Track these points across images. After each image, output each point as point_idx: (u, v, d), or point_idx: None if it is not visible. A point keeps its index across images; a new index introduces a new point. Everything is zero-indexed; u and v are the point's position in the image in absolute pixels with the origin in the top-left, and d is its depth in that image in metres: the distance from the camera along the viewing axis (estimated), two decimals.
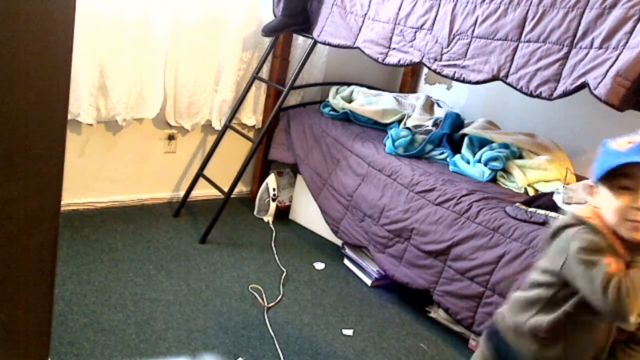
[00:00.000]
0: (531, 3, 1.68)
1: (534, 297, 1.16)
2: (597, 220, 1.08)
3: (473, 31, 1.84)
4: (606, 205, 1.07)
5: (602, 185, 1.08)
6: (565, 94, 1.57)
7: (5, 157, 0.86)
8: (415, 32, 2.04)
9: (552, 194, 1.95)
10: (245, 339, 1.87)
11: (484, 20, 1.81)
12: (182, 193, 2.79)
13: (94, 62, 2.29)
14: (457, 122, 2.54)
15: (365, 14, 2.26)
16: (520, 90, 1.68)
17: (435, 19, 1.97)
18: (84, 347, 1.69)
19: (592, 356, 1.13)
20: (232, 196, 2.58)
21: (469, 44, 1.85)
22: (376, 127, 2.72)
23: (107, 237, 2.37)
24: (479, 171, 2.21)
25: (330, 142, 2.59)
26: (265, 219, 2.84)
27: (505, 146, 2.27)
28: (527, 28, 1.69)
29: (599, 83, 1.46)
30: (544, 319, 1.12)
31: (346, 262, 2.52)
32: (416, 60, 2.03)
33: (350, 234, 2.40)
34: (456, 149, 2.41)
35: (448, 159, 2.35)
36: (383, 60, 2.17)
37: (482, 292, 1.85)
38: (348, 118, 2.75)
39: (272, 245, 2.58)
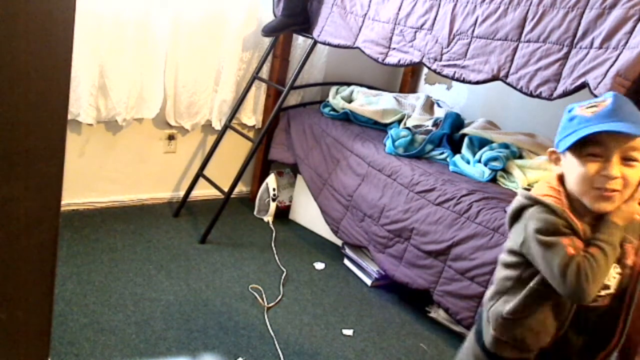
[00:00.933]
0: (531, 3, 1.68)
1: (502, 280, 1.13)
2: (554, 197, 1.04)
3: (473, 31, 1.84)
4: (572, 173, 1.03)
5: (568, 152, 1.03)
6: (565, 94, 1.57)
7: (5, 157, 0.86)
8: (415, 32, 2.04)
9: None
10: (245, 339, 1.87)
11: (484, 20, 1.81)
12: (182, 193, 2.79)
13: (94, 62, 2.29)
14: (457, 122, 2.54)
15: (365, 14, 2.26)
16: (520, 90, 1.68)
17: (435, 19, 1.97)
18: (84, 347, 1.69)
19: (554, 331, 1.10)
20: (232, 196, 2.58)
21: (469, 44, 1.85)
22: (376, 127, 2.72)
23: (107, 237, 2.37)
24: (479, 171, 2.21)
25: (330, 142, 2.59)
26: (265, 219, 2.84)
27: (505, 146, 2.27)
28: (527, 28, 1.69)
29: (599, 83, 1.46)
30: (513, 299, 1.10)
31: (346, 262, 2.52)
32: (416, 60, 2.03)
33: (350, 234, 2.40)
34: (456, 149, 2.41)
35: (448, 159, 2.35)
36: (383, 60, 2.17)
37: (482, 292, 1.85)
38: (348, 118, 2.75)
39: (272, 245, 2.58)
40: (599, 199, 1.00)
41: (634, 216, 1.04)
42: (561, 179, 1.08)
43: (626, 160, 0.97)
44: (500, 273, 1.15)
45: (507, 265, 1.13)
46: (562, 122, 1.06)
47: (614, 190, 0.98)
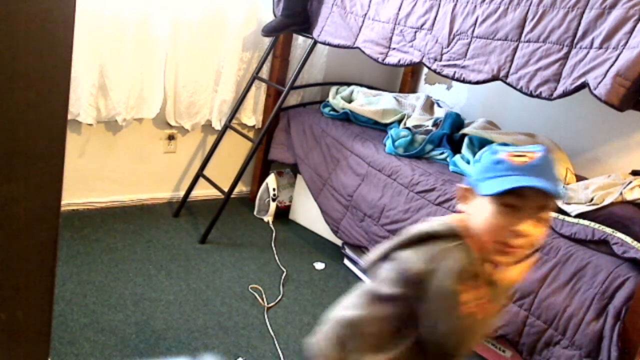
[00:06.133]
0: (531, 3, 1.68)
1: (376, 324, 0.99)
2: (471, 237, 0.95)
3: (473, 31, 1.84)
4: (480, 217, 0.95)
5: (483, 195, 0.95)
6: (565, 94, 1.57)
7: (5, 157, 0.86)
8: (415, 32, 2.04)
9: None
10: (245, 339, 1.87)
11: (484, 20, 1.81)
12: (182, 193, 2.79)
13: (94, 62, 2.29)
14: (457, 122, 2.54)
15: (365, 14, 2.26)
16: (520, 90, 1.68)
17: (435, 19, 1.97)
18: (84, 347, 1.69)
19: None
20: (232, 196, 2.58)
21: (469, 44, 1.85)
22: (376, 127, 2.72)
23: (107, 237, 2.37)
24: None
25: (330, 142, 2.59)
26: (265, 219, 2.84)
27: (505, 146, 2.26)
28: (527, 28, 1.69)
29: (599, 83, 1.46)
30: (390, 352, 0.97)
31: (346, 262, 2.52)
32: (416, 60, 2.03)
33: (350, 234, 2.40)
34: (456, 149, 2.41)
35: (448, 159, 2.35)
36: (383, 60, 2.17)
37: None
38: (348, 118, 2.75)
39: (272, 245, 2.58)
40: (500, 252, 0.94)
41: (514, 284, 0.99)
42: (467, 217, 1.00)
43: (537, 218, 0.92)
44: (371, 311, 1.00)
45: (384, 300, 0.99)
46: (484, 162, 0.97)
47: (516, 248, 0.92)
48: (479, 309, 0.92)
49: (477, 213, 0.96)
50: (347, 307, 1.05)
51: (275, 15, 2.61)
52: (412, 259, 0.96)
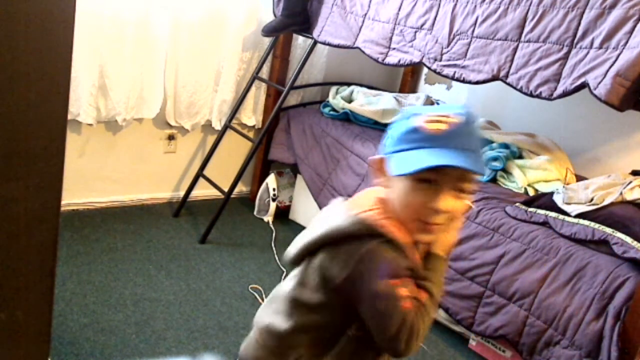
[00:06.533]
0: (531, 3, 1.68)
1: (298, 326, 0.93)
2: (394, 225, 0.86)
3: (473, 31, 1.84)
4: (397, 193, 0.87)
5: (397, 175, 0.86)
6: (565, 94, 1.57)
7: (5, 157, 0.86)
8: (415, 32, 2.04)
9: (552, 194, 1.95)
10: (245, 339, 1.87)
11: (484, 20, 1.81)
12: (182, 193, 2.79)
13: (94, 62, 2.29)
14: None
15: (365, 14, 2.26)
16: (520, 90, 1.68)
17: (435, 19, 1.97)
18: (84, 347, 1.69)
19: None
20: (232, 196, 2.58)
21: (469, 44, 1.85)
22: (376, 127, 2.72)
23: (107, 237, 2.37)
24: None
25: (330, 142, 2.59)
26: (265, 219, 2.84)
27: (505, 146, 2.27)
28: (527, 28, 1.69)
29: (599, 83, 1.46)
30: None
31: None
32: (416, 60, 2.03)
33: None
34: None
35: None
36: (383, 60, 2.17)
37: (482, 292, 1.85)
38: (348, 118, 2.75)
39: (272, 245, 2.58)
40: (421, 230, 0.86)
41: (453, 246, 0.95)
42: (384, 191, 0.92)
43: (458, 192, 0.85)
44: (299, 321, 0.92)
45: (311, 309, 0.91)
46: (398, 130, 0.87)
47: (438, 224, 0.86)
48: (420, 299, 0.86)
49: (393, 189, 0.88)
50: (274, 312, 0.97)
51: (275, 15, 2.61)
52: (334, 267, 0.86)
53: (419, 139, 0.83)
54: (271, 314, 0.98)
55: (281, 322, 0.94)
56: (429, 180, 0.83)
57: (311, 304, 0.91)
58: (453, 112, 0.84)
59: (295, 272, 0.96)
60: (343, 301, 0.87)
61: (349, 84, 2.98)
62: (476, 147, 0.85)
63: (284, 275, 2.32)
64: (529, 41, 1.68)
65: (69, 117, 2.28)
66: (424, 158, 0.81)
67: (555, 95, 1.59)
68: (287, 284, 0.96)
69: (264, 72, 2.81)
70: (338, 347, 0.91)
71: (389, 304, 0.82)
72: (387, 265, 0.83)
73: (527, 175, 2.14)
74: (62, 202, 0.96)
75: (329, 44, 2.45)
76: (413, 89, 3.29)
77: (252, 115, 2.91)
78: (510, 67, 1.72)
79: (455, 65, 1.89)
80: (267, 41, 2.75)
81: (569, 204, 1.83)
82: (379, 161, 0.91)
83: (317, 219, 0.94)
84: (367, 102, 2.81)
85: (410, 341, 0.82)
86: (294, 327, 0.93)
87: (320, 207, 2.59)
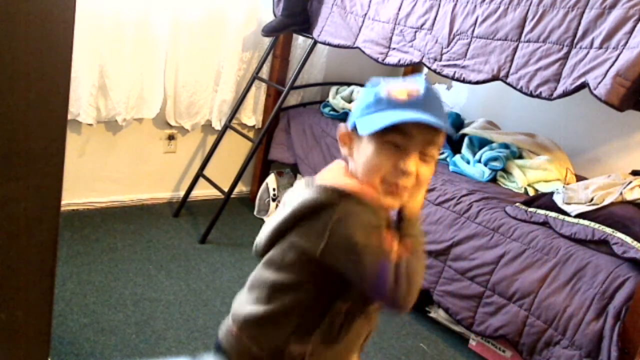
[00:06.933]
0: (531, 3, 1.68)
1: (281, 309, 0.91)
2: (364, 187, 0.86)
3: (473, 31, 1.84)
4: (362, 158, 0.87)
5: (364, 134, 0.86)
6: (565, 94, 1.57)
7: (5, 157, 0.86)
8: (415, 32, 2.04)
9: (552, 194, 1.95)
10: None
11: (484, 20, 1.81)
12: (182, 193, 2.79)
13: (94, 62, 2.29)
14: (457, 122, 2.54)
15: (365, 14, 2.26)
16: (520, 90, 1.68)
17: (435, 19, 1.97)
18: (84, 347, 1.69)
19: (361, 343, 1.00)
20: (232, 196, 2.58)
21: (469, 44, 1.85)
22: None
23: (107, 237, 2.37)
24: (479, 171, 2.21)
25: (330, 142, 2.59)
26: (265, 219, 2.84)
27: (505, 146, 2.27)
28: (527, 28, 1.69)
29: (599, 83, 1.46)
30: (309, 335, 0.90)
31: None
32: (416, 60, 2.03)
33: None
34: (456, 149, 2.41)
35: (448, 159, 2.35)
36: (383, 60, 2.17)
37: (482, 292, 1.85)
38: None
39: None
40: (387, 193, 0.86)
41: (418, 213, 0.93)
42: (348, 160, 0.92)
43: (424, 155, 0.86)
44: (281, 304, 0.91)
45: (292, 289, 0.90)
46: (364, 99, 0.89)
47: (404, 187, 0.86)
48: (408, 248, 0.86)
49: (359, 154, 0.88)
50: (252, 302, 0.96)
51: (275, 15, 2.61)
52: (310, 240, 0.85)
53: (385, 105, 0.85)
54: (250, 303, 0.96)
55: (261, 309, 0.93)
56: (396, 143, 0.84)
57: (292, 284, 0.90)
58: (416, 82, 0.87)
59: (268, 257, 0.94)
60: (325, 274, 0.86)
61: (349, 84, 2.98)
62: (439, 111, 0.86)
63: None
64: (529, 41, 1.68)
65: (69, 117, 2.28)
66: (391, 116, 0.82)
67: (555, 95, 1.59)
68: (262, 271, 0.95)
69: (264, 72, 2.81)
70: (325, 322, 0.90)
71: (378, 257, 0.82)
72: (364, 220, 0.83)
73: (527, 175, 2.14)
74: (62, 202, 0.96)
75: (329, 44, 2.45)
76: None
77: (252, 115, 2.91)
78: (510, 67, 1.72)
79: (455, 65, 1.89)
80: (267, 41, 2.75)
81: (569, 204, 1.83)
82: (345, 132, 0.92)
83: (283, 203, 0.94)
84: None
85: (410, 289, 0.82)
86: (276, 311, 0.91)
87: None
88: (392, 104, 0.84)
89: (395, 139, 0.83)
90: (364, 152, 0.87)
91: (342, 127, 0.93)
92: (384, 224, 0.85)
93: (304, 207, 0.86)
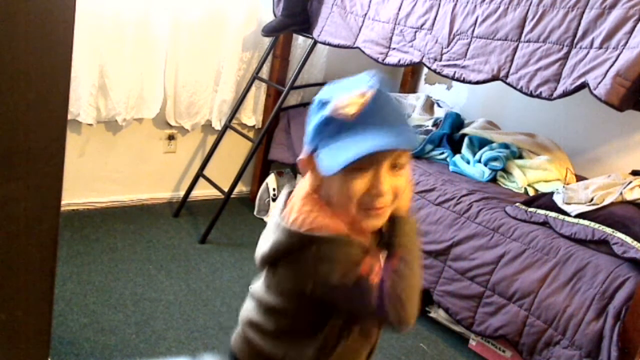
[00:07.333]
0: (531, 3, 1.68)
1: (276, 327, 0.92)
2: (330, 222, 0.83)
3: (473, 31, 1.84)
4: (332, 188, 0.83)
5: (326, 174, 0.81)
6: (565, 94, 1.57)
7: (5, 157, 0.86)
8: (415, 32, 2.04)
9: (552, 194, 1.95)
10: None
11: (484, 20, 1.81)
12: (182, 193, 2.79)
13: (94, 62, 2.29)
14: (457, 122, 2.54)
15: (365, 14, 2.26)
16: (520, 90, 1.68)
17: (435, 19, 1.97)
18: (84, 347, 1.69)
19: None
20: (232, 196, 2.58)
21: (469, 44, 1.85)
22: None
23: (107, 237, 2.37)
24: (479, 171, 2.21)
25: None
26: (265, 219, 2.84)
27: (505, 146, 2.27)
28: (527, 28, 1.69)
29: (599, 83, 1.46)
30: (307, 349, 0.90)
31: None
32: (416, 60, 2.03)
33: None
34: (456, 149, 2.41)
35: (448, 159, 2.35)
36: (383, 60, 2.17)
37: (482, 292, 1.85)
38: None
39: None
40: (367, 217, 0.83)
41: (407, 213, 0.91)
42: (317, 188, 0.87)
43: (394, 168, 0.82)
44: (274, 322, 0.92)
45: (286, 314, 0.90)
46: (314, 123, 0.84)
47: (383, 207, 0.83)
48: (392, 266, 0.84)
49: (329, 185, 0.84)
50: (254, 310, 0.97)
51: (275, 15, 2.61)
52: (296, 279, 0.84)
53: (337, 128, 0.79)
54: (252, 310, 0.97)
55: (260, 320, 0.94)
56: (362, 167, 0.79)
57: (287, 309, 0.90)
58: (361, 88, 0.80)
59: (265, 278, 0.94)
60: (318, 303, 0.85)
61: None
62: (396, 117, 0.82)
63: None
64: (529, 41, 1.68)
65: (69, 117, 2.28)
66: (350, 148, 0.77)
67: (555, 95, 1.59)
68: (262, 288, 0.94)
69: (264, 72, 2.81)
70: (319, 338, 0.89)
71: (359, 288, 0.80)
72: (340, 258, 0.81)
73: (527, 175, 2.14)
74: (62, 202, 0.96)
75: (329, 44, 2.45)
76: (413, 89, 3.29)
77: (252, 115, 2.91)
78: (510, 67, 1.72)
79: (455, 65, 1.89)
80: (267, 41, 2.75)
81: (569, 204, 1.83)
82: (307, 160, 0.87)
83: (270, 220, 0.92)
84: None
85: (398, 308, 0.80)
86: (271, 329, 0.92)
87: None
88: (344, 125, 0.78)
89: (360, 165, 0.78)
90: (331, 184, 0.83)
91: (302, 157, 0.88)
92: (361, 254, 0.82)
93: (278, 250, 0.85)
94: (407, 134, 0.83)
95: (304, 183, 0.89)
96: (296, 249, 0.82)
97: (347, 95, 0.81)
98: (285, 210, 0.87)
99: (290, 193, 0.92)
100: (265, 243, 0.88)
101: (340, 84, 0.85)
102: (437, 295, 1.99)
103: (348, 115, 0.78)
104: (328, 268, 0.80)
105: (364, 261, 0.82)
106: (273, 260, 0.87)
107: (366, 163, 0.78)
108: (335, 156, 0.78)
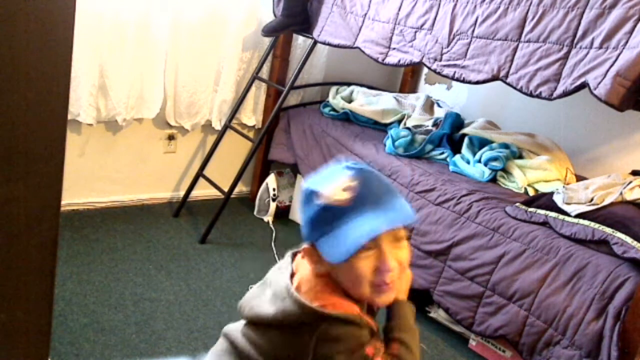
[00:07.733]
0: (531, 3, 1.68)
1: None
2: (335, 299, 0.85)
3: (473, 31, 1.84)
4: (344, 277, 0.86)
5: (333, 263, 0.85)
6: (565, 93, 1.57)
7: (5, 157, 0.86)
8: (415, 32, 2.04)
9: (552, 194, 1.95)
10: None
11: (484, 20, 1.81)
12: (182, 193, 2.79)
13: (94, 62, 2.29)
14: (457, 122, 2.54)
15: (365, 14, 2.26)
16: (520, 90, 1.68)
17: (435, 19, 1.97)
18: (84, 347, 1.69)
19: None
20: (232, 196, 2.58)
21: (469, 44, 1.85)
22: (376, 127, 2.72)
23: (107, 237, 2.37)
24: (479, 171, 2.21)
25: (330, 142, 2.59)
26: (265, 219, 2.84)
27: (505, 146, 2.27)
28: (527, 28, 1.69)
29: (599, 83, 1.46)
30: None
31: None
32: (416, 60, 2.03)
33: None
34: (456, 149, 2.41)
35: (448, 159, 2.35)
36: (383, 60, 2.17)
37: (482, 292, 1.85)
38: (348, 118, 2.75)
39: (272, 245, 2.58)
40: (379, 294, 0.87)
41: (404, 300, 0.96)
42: (324, 274, 0.89)
43: (396, 242, 0.86)
44: None
45: None
46: (311, 213, 0.86)
47: (393, 281, 0.87)
48: (392, 352, 0.88)
49: (336, 271, 0.87)
50: (220, 351, 0.97)
51: (275, 15, 2.61)
52: (292, 350, 0.85)
53: (335, 215, 0.82)
54: (224, 352, 0.97)
55: None
56: (366, 248, 0.83)
57: None
58: (346, 175, 0.83)
59: (247, 328, 0.92)
60: None
61: (349, 84, 2.98)
62: (389, 194, 0.85)
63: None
64: (529, 41, 1.68)
65: (69, 117, 2.28)
66: (352, 234, 0.80)
67: (555, 95, 1.59)
68: (241, 338, 0.92)
69: (264, 72, 2.81)
70: None
71: None
72: (345, 341, 0.83)
73: (527, 175, 2.14)
74: (62, 202, 0.96)
75: (329, 44, 2.45)
76: (413, 89, 3.29)
77: (252, 115, 2.91)
78: (510, 67, 1.72)
79: (455, 65, 1.89)
80: (267, 41, 2.75)
81: (569, 204, 1.83)
82: (310, 250, 0.89)
83: (265, 281, 0.93)
84: (367, 102, 2.82)
85: None
86: None
87: None
88: (340, 211, 0.81)
89: (365, 247, 0.82)
90: (339, 270, 0.86)
91: (305, 247, 0.91)
92: (369, 335, 0.85)
93: (288, 320, 0.85)
94: (403, 209, 0.86)
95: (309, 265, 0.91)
96: (306, 323, 0.83)
97: (336, 182, 0.83)
98: (295, 281, 0.89)
99: (295, 255, 0.94)
100: (269, 306, 0.88)
101: (322, 174, 0.88)
102: (437, 295, 1.99)
103: (343, 201, 0.81)
104: (334, 350, 0.82)
105: (371, 342, 0.85)
106: (274, 325, 0.87)
107: (371, 244, 0.83)
108: (339, 244, 0.81)
